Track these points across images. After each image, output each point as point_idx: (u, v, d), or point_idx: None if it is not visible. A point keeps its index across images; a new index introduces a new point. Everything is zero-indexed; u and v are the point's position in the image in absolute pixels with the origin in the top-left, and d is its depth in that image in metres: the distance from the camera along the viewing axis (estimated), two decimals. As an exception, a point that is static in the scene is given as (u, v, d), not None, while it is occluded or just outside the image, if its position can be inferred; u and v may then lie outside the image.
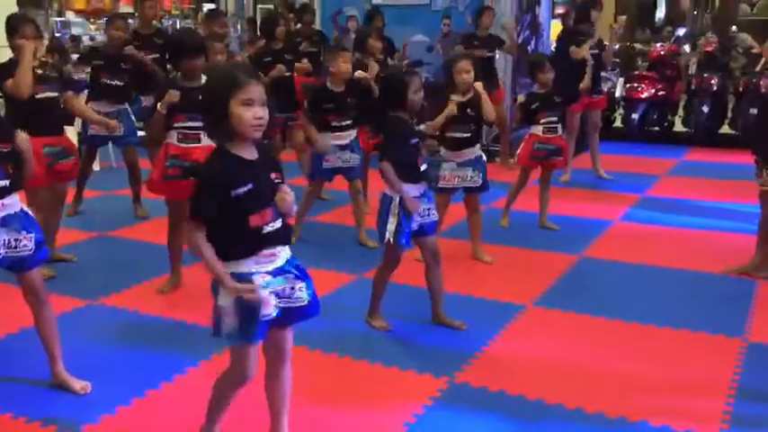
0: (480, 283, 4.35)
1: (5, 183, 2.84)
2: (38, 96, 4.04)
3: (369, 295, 3.69)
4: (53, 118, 4.25)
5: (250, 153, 2.27)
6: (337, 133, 4.86)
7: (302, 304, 2.38)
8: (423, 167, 3.50)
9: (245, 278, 2.25)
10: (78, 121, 7.14)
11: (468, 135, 4.42)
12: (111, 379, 3.09)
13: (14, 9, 8.89)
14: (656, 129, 9.02)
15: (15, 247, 2.85)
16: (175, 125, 3.84)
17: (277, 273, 2.32)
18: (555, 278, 4.39)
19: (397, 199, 3.43)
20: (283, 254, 2.35)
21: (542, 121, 5.16)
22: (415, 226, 3.48)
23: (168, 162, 3.87)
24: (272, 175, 2.32)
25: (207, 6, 21.79)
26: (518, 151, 5.35)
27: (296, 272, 2.37)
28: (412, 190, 3.45)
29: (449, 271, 4.27)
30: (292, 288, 2.36)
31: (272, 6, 14.10)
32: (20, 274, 2.93)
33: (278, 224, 2.31)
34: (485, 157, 4.59)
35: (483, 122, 4.45)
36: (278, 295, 2.32)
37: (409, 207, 3.40)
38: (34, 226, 2.93)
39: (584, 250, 4.89)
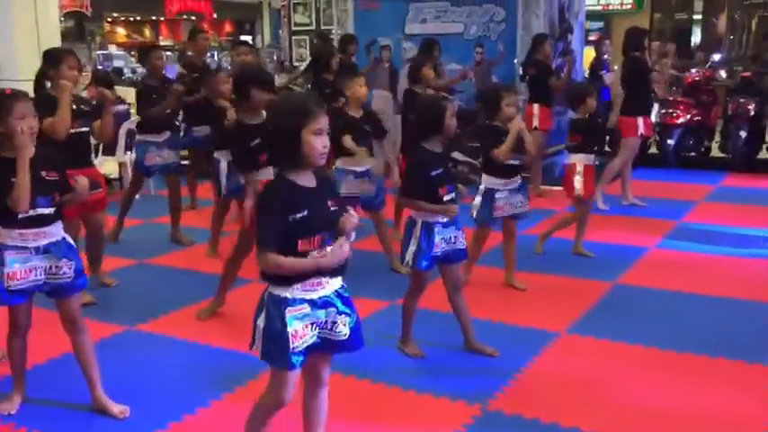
0: (514, 310, 4.33)
1: (50, 211, 2.95)
2: (71, 131, 4.06)
3: (400, 321, 3.71)
4: (83, 151, 4.34)
5: (309, 181, 2.35)
6: (353, 158, 4.82)
7: (342, 338, 2.41)
8: (447, 197, 3.49)
9: (288, 302, 2.30)
10: (120, 151, 7.37)
11: (518, 162, 4.45)
12: (148, 403, 3.16)
13: (58, 43, 9.27)
14: (693, 154, 8.93)
15: (55, 274, 2.95)
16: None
17: (320, 303, 2.35)
18: (589, 305, 4.36)
19: (420, 222, 3.47)
20: (332, 283, 2.39)
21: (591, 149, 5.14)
22: (438, 251, 3.48)
23: None
24: (330, 203, 2.38)
25: (244, 38, 22.29)
26: (578, 185, 5.10)
27: (341, 305, 2.40)
28: (431, 217, 3.47)
29: (482, 297, 4.30)
30: (334, 322, 2.39)
31: (306, 38, 14.37)
32: (58, 301, 3.02)
33: (327, 250, 2.33)
34: None
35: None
36: (317, 326, 2.36)
37: (445, 212, 3.43)
38: (75, 254, 3.03)
39: (618, 277, 4.85)
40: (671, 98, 9.28)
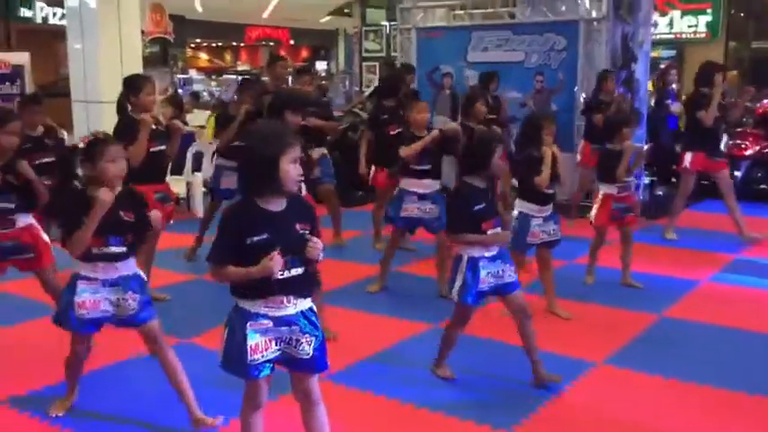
0: (553, 338, 4.33)
1: (122, 250, 3.08)
2: (152, 150, 4.44)
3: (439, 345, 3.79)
4: (161, 168, 4.78)
5: (276, 205, 2.46)
6: (417, 180, 4.94)
7: (305, 357, 2.52)
8: (491, 232, 3.50)
9: (251, 317, 2.46)
10: (188, 172, 7.72)
11: (553, 191, 4.51)
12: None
13: (140, 68, 9.80)
14: (762, 187, 8.66)
15: (121, 306, 3.09)
16: None
17: (284, 321, 2.48)
18: (630, 337, 4.33)
19: (465, 257, 3.49)
20: (298, 304, 2.51)
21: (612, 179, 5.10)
22: (485, 287, 3.50)
23: None
24: (298, 226, 2.48)
25: (319, 64, 22.87)
26: (593, 212, 5.21)
27: (306, 325, 2.51)
28: (477, 252, 3.49)
29: None
30: (297, 340, 2.50)
31: (376, 64, 14.69)
32: (137, 329, 3.18)
33: (293, 273, 2.46)
34: None
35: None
36: (281, 341, 2.50)
37: (494, 240, 3.48)
38: (142, 288, 3.16)
39: (664, 310, 4.79)
40: (740, 129, 9.06)
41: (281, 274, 2.43)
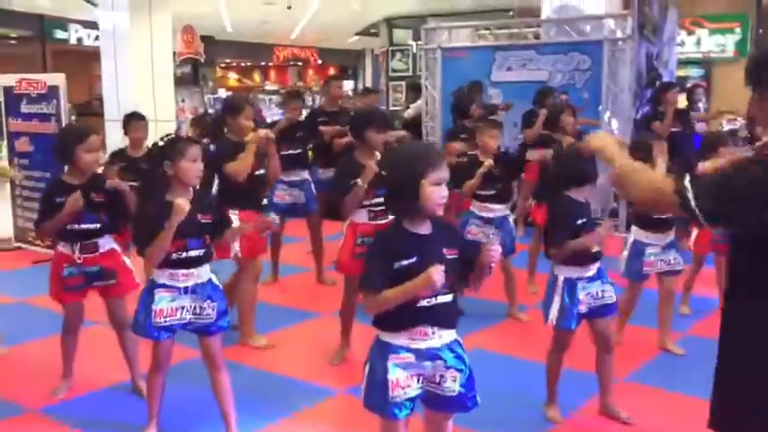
0: (575, 354, 4.35)
1: (200, 253, 3.10)
2: (256, 173, 4.32)
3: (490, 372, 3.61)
4: (260, 193, 4.64)
5: (423, 228, 2.36)
6: (483, 204, 4.90)
7: (451, 394, 2.38)
8: (595, 249, 3.37)
9: (392, 349, 2.33)
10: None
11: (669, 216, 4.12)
12: (211, 424, 3.36)
13: (172, 87, 10.03)
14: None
15: (199, 315, 3.11)
16: (365, 203, 3.92)
17: (428, 355, 2.33)
18: (653, 354, 4.34)
19: (561, 279, 3.35)
20: (443, 336, 2.36)
21: None
22: (583, 308, 3.36)
23: (360, 240, 3.92)
24: (445, 251, 2.36)
25: (346, 83, 23.01)
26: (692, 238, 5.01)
27: (451, 358, 2.36)
28: (574, 272, 3.35)
29: (533, 338, 4.27)
30: (442, 375, 2.35)
31: (402, 83, 14.81)
32: (200, 339, 3.19)
33: (440, 300, 2.32)
34: None
35: None
36: (423, 378, 2.35)
37: (591, 243, 3.30)
38: (220, 296, 3.17)
39: (688, 328, 4.79)
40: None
41: (428, 302, 2.31)
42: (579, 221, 3.32)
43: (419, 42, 11.29)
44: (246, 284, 4.45)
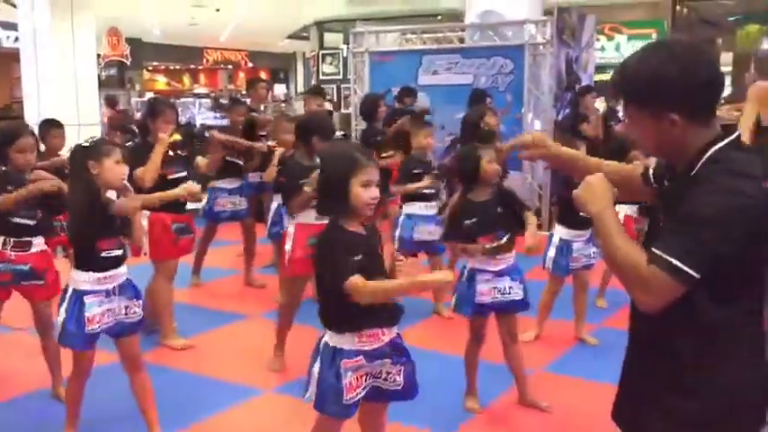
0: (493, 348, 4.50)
1: (120, 252, 3.09)
2: (170, 177, 4.31)
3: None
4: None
5: (359, 228, 2.43)
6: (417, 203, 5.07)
7: (396, 387, 2.46)
8: (490, 246, 3.46)
9: (343, 354, 2.36)
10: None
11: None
12: (131, 427, 3.31)
13: (96, 90, 9.83)
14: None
15: (127, 314, 3.09)
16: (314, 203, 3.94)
17: (376, 354, 2.39)
18: (570, 346, 4.53)
19: (467, 268, 3.51)
20: (388, 334, 2.42)
21: None
22: (486, 299, 3.47)
23: (311, 240, 3.86)
24: (379, 249, 2.44)
25: (278, 87, 22.92)
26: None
27: (397, 355, 2.43)
28: (477, 263, 3.48)
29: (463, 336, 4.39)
30: (389, 372, 2.43)
31: (333, 87, 14.86)
32: (120, 341, 3.13)
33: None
34: None
35: None
36: (371, 376, 2.42)
37: (474, 251, 3.44)
38: (140, 294, 3.17)
39: (603, 320, 5.00)
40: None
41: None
42: (467, 222, 3.45)
43: (349, 46, 11.37)
44: (161, 285, 4.46)
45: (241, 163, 5.89)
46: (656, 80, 1.60)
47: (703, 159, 1.62)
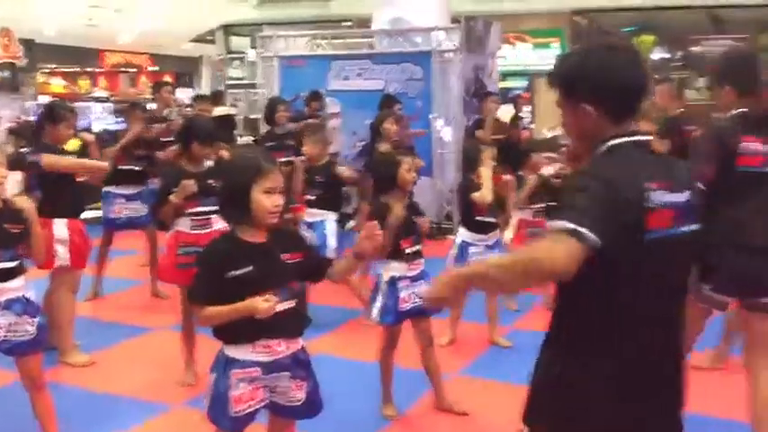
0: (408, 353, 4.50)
1: (12, 265, 2.89)
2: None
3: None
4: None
5: (258, 236, 2.32)
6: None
7: (297, 404, 2.38)
8: (410, 250, 3.51)
9: (236, 364, 2.28)
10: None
11: (494, 220, 4.55)
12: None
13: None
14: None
15: (16, 331, 2.89)
16: (188, 211, 3.88)
17: (273, 367, 2.31)
18: (484, 348, 4.57)
19: (385, 277, 3.48)
20: (289, 347, 2.33)
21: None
22: (406, 306, 3.47)
23: (181, 250, 3.87)
24: (287, 256, 2.33)
25: (184, 91, 22.37)
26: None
27: (296, 369, 2.35)
28: (396, 271, 3.49)
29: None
30: (288, 386, 2.35)
31: (242, 91, 14.60)
32: (18, 360, 2.96)
33: (283, 307, 2.28)
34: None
35: None
36: (269, 389, 2.34)
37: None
38: (37, 311, 2.98)
39: (516, 321, 5.09)
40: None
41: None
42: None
43: (257, 50, 11.20)
44: (64, 297, 4.23)
45: (137, 169, 5.72)
46: (577, 74, 1.77)
47: (597, 151, 1.74)
